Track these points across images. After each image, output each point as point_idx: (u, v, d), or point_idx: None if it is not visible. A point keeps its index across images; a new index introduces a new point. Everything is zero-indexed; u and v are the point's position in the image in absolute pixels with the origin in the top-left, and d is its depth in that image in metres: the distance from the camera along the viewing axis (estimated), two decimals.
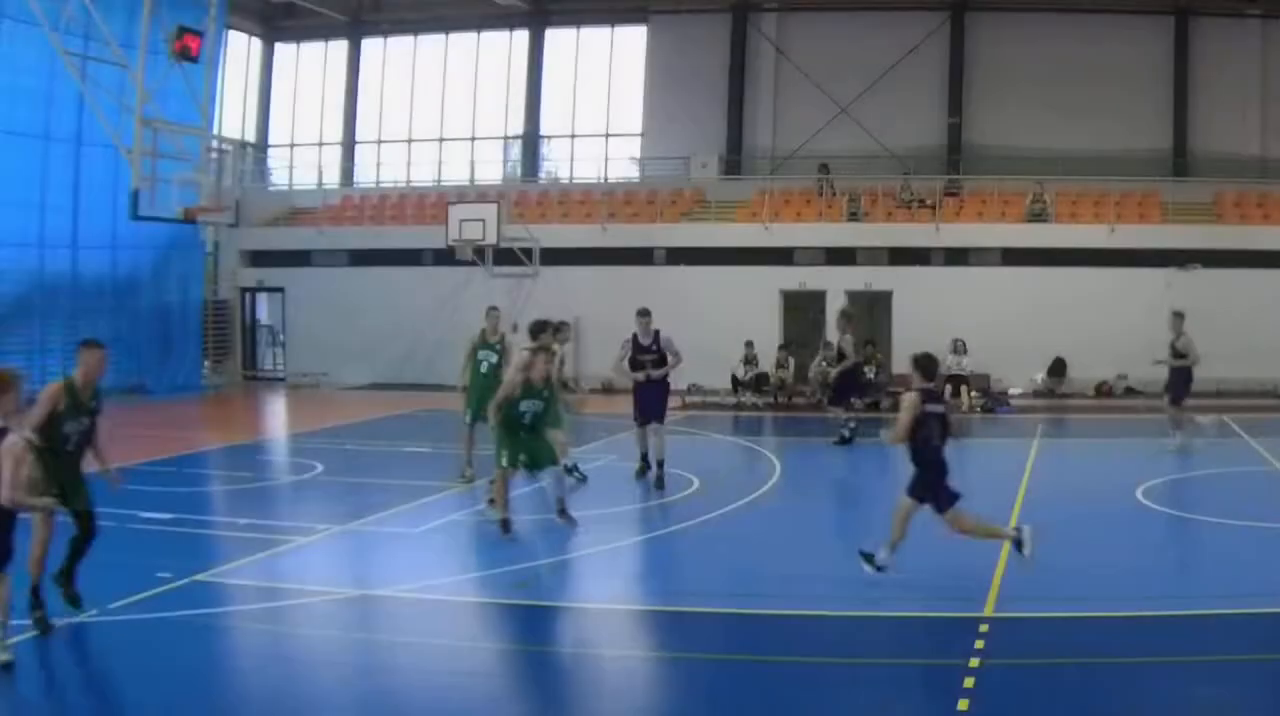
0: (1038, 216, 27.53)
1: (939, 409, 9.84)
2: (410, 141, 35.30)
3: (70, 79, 22.98)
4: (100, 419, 8.96)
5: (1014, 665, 7.96)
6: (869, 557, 9.90)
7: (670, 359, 14.97)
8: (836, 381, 20.04)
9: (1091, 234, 26.91)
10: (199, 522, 12.41)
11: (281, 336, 32.44)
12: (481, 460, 14.26)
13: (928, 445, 9.75)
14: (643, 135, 33.46)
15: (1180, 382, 17.94)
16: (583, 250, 28.47)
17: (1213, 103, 29.61)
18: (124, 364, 27.18)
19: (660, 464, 14.87)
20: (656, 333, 14.94)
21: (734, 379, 25.46)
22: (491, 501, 12.48)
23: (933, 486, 9.86)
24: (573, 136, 34.61)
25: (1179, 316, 17.93)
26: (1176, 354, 17.78)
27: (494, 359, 14.67)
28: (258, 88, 35.61)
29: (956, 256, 27.36)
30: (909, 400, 9.75)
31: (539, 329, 13.78)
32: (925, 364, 9.98)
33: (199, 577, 10.11)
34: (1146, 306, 25.77)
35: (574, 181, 33.65)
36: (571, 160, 34.66)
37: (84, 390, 8.78)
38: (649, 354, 14.91)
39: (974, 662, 7.81)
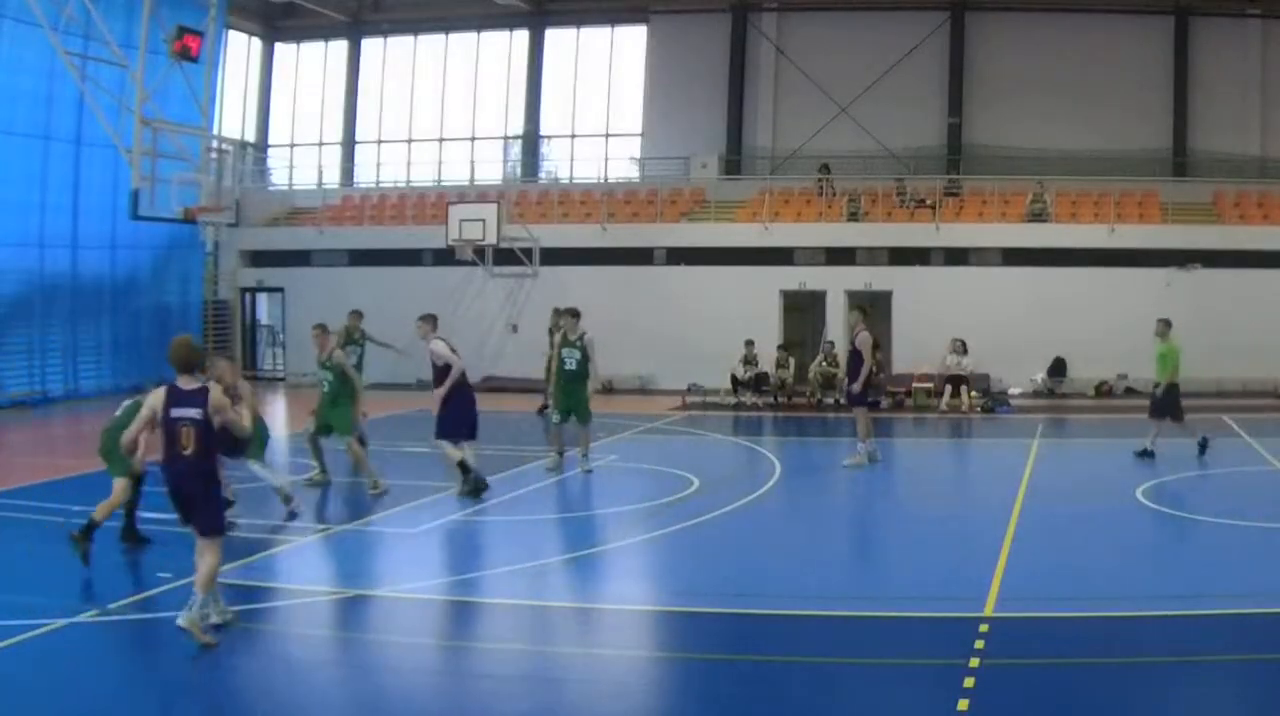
0: (1038, 216, 27.52)
1: None
2: (410, 141, 35.30)
3: (70, 79, 22.96)
4: None
5: (1014, 665, 7.96)
6: None
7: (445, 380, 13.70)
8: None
9: (1091, 234, 26.91)
10: None
11: (281, 336, 32.43)
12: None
13: None
14: (643, 135, 33.45)
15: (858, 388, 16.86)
16: (583, 250, 28.45)
17: (1213, 103, 29.60)
18: (124, 364, 27.20)
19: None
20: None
21: (734, 379, 25.46)
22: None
23: None
24: (573, 136, 34.61)
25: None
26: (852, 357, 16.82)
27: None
28: (258, 88, 35.60)
29: (956, 256, 27.35)
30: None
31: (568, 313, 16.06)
32: None
33: None
34: (1146, 306, 25.86)
35: (574, 181, 33.63)
36: (571, 160, 34.66)
37: None
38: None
39: (974, 662, 7.81)
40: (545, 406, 21.72)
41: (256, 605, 9.59)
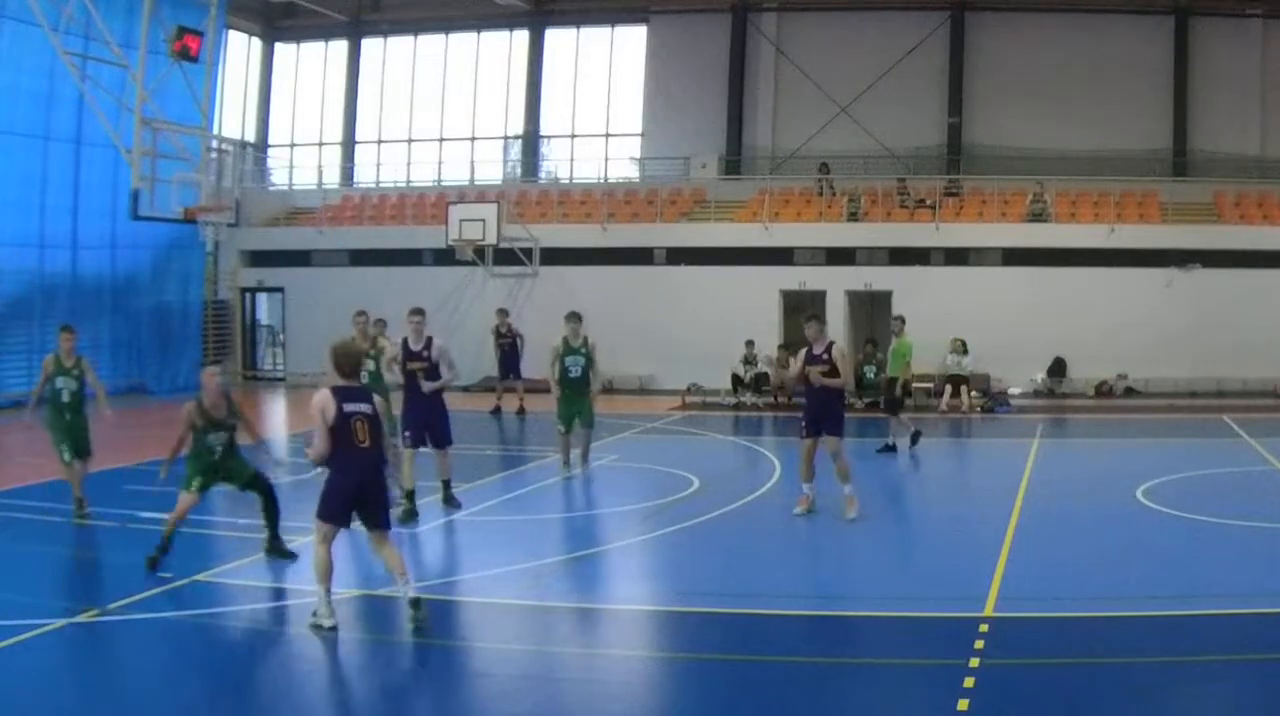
0: (1038, 216, 27.52)
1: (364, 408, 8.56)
2: (410, 141, 35.31)
3: (70, 79, 22.98)
4: None
5: (1014, 665, 7.96)
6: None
7: (444, 372, 13.23)
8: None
9: (1091, 234, 26.90)
10: (199, 522, 12.37)
11: (281, 336, 32.43)
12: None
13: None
14: (643, 135, 33.46)
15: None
16: (583, 250, 28.45)
17: (1213, 103, 29.61)
18: (124, 364, 27.21)
19: (447, 483, 13.51)
20: (430, 339, 13.35)
21: (734, 378, 25.46)
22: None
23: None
24: (573, 136, 34.62)
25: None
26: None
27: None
28: (258, 88, 35.61)
29: (956, 256, 27.34)
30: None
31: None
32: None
33: (199, 577, 10.12)
34: (1146, 306, 25.91)
35: (574, 181, 33.64)
36: (571, 160, 34.67)
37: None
38: (419, 361, 13.23)
39: (974, 662, 7.81)
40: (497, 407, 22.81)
41: (256, 605, 9.60)
